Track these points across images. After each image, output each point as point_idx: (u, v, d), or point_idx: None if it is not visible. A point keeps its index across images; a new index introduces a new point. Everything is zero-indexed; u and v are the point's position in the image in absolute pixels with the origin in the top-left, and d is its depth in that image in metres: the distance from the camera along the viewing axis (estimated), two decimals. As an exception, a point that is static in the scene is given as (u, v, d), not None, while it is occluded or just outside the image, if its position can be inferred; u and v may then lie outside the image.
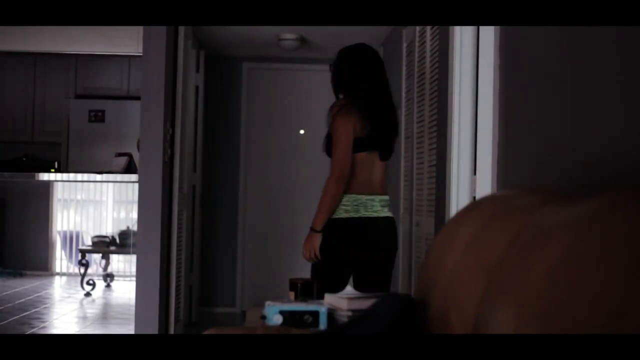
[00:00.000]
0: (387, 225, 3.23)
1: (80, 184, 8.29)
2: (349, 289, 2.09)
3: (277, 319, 1.89)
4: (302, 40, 5.72)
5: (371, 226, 3.18)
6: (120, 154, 7.00)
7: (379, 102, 3.22)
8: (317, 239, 3.17)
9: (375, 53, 3.34)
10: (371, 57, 3.28)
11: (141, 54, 4.34)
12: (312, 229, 3.18)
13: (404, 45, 4.57)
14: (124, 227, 7.62)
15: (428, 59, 3.84)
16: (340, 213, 3.17)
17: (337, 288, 2.79)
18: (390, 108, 3.27)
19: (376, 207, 3.21)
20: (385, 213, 3.23)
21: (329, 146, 3.23)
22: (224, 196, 6.42)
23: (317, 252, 3.17)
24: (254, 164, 6.46)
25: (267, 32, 5.54)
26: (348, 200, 3.17)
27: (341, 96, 3.29)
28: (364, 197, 3.18)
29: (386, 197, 3.26)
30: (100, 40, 7.50)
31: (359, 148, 3.17)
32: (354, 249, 3.17)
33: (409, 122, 4.33)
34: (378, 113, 3.21)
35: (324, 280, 3.06)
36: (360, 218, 3.16)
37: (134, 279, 4.47)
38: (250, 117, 6.44)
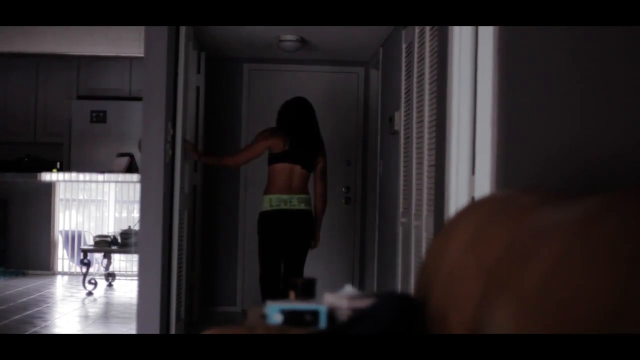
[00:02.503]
0: (301, 215, 4.57)
1: (82, 184, 8.30)
2: (349, 288, 2.10)
3: (278, 318, 1.89)
4: (303, 42, 5.73)
5: (289, 215, 4.53)
6: (121, 154, 7.02)
7: (298, 132, 4.60)
8: (191, 149, 4.83)
9: (300, 105, 4.68)
10: (295, 108, 4.67)
11: (143, 55, 4.35)
12: (202, 154, 5.12)
13: (404, 45, 4.57)
14: (125, 227, 7.63)
15: (427, 59, 3.85)
16: (267, 207, 4.55)
17: (273, 262, 4.56)
18: (309, 135, 4.63)
19: (294, 202, 4.55)
20: (301, 207, 4.56)
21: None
22: (225, 196, 6.43)
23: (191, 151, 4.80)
24: (254, 164, 6.46)
25: (267, 33, 5.55)
26: (272, 198, 4.54)
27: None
28: (285, 196, 4.53)
29: (303, 196, 4.58)
30: (103, 41, 7.51)
31: (279, 160, 4.55)
32: (277, 232, 4.54)
33: (409, 122, 4.33)
34: (296, 137, 4.57)
35: (262, 256, 4.60)
36: (281, 210, 4.53)
37: (136, 278, 4.47)
38: (251, 117, 6.45)
